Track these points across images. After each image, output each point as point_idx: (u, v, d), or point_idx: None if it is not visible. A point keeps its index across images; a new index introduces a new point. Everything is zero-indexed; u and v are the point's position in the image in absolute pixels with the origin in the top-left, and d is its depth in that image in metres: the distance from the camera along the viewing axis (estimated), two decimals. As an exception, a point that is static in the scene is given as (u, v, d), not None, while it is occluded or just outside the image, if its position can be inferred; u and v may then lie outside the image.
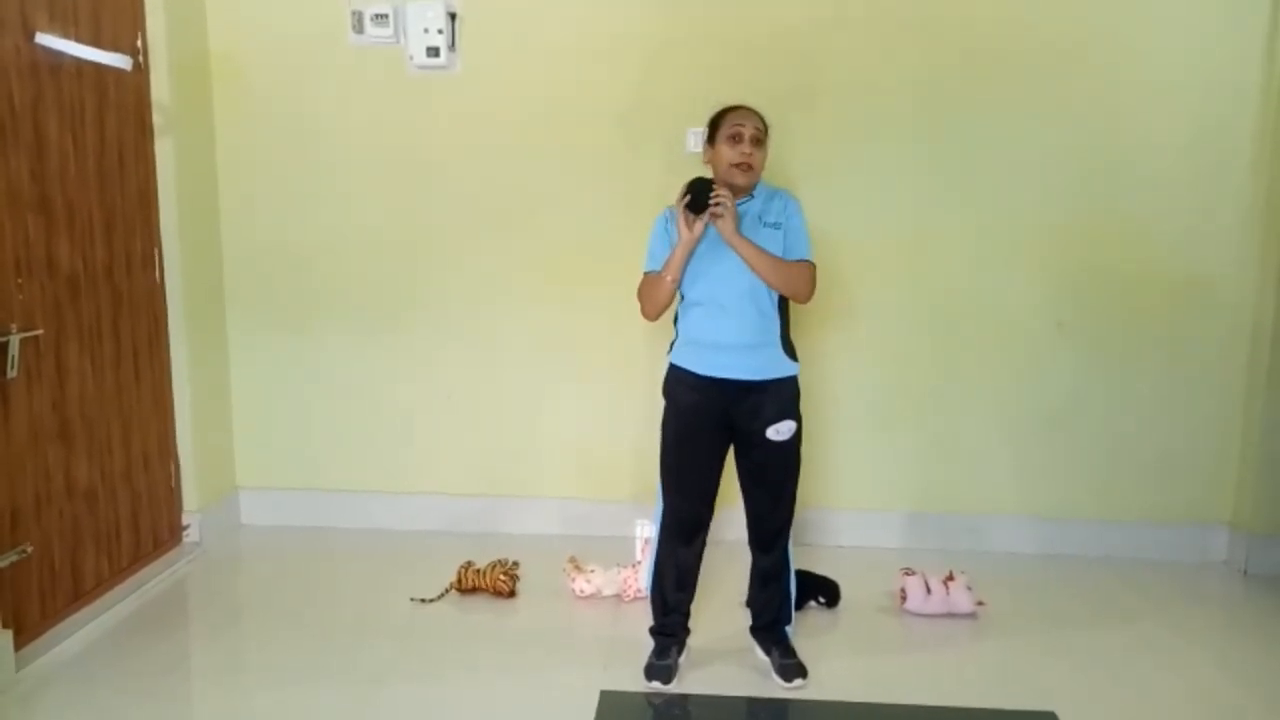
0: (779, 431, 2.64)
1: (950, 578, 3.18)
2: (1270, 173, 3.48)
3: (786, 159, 3.56)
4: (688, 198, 2.54)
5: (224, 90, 3.72)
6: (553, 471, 3.84)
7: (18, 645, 2.73)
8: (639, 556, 3.32)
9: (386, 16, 3.57)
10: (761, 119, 2.67)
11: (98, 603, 3.13)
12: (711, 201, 2.52)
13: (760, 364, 2.63)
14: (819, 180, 3.59)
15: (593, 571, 3.29)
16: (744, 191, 2.65)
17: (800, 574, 3.26)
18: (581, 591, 3.27)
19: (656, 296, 2.66)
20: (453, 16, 3.59)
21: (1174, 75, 3.48)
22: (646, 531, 3.73)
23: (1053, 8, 3.47)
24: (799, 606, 3.17)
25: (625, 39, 3.58)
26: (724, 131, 2.63)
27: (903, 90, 3.54)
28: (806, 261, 2.66)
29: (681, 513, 2.74)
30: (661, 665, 2.73)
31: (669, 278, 2.61)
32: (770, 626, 2.81)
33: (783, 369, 2.66)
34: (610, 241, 3.66)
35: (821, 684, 2.73)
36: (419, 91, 3.66)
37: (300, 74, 3.68)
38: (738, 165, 2.59)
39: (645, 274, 2.72)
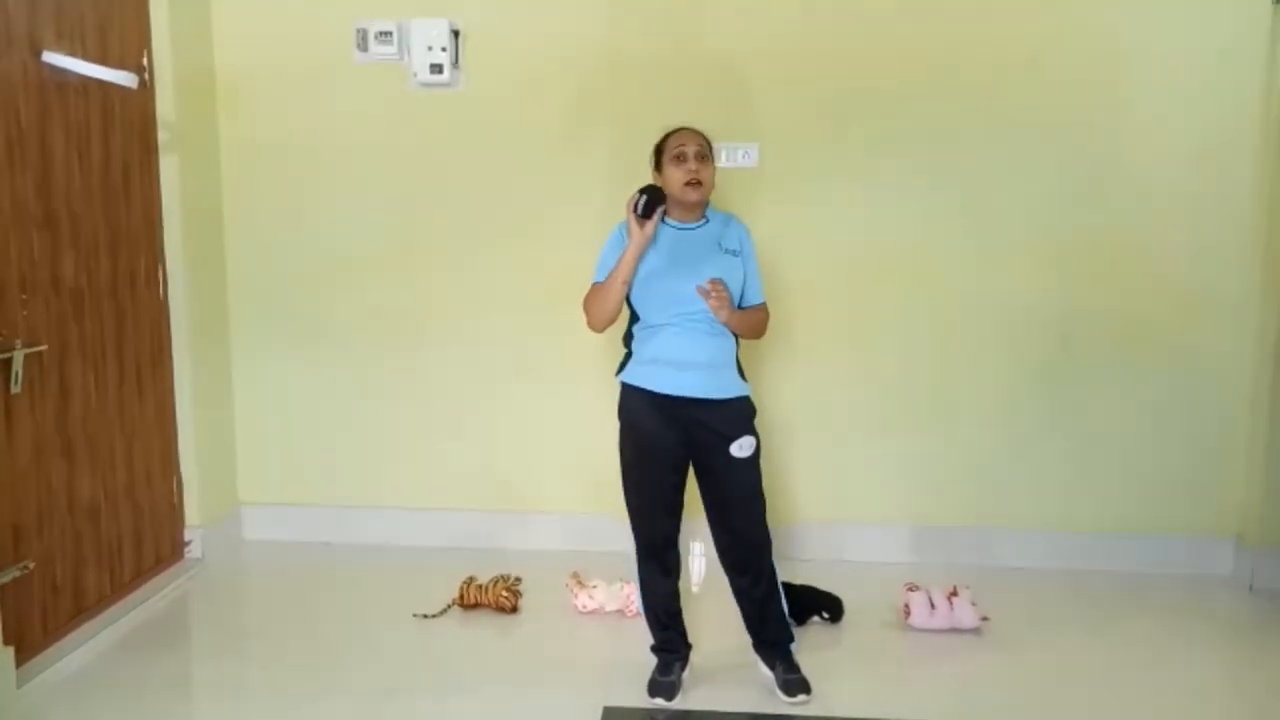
0: (741, 447, 2.64)
1: (954, 592, 3.17)
2: (1273, 185, 3.49)
3: (786, 174, 3.59)
4: (641, 200, 2.57)
5: (229, 108, 3.74)
6: (555, 486, 3.84)
7: (19, 661, 2.72)
8: (642, 572, 3.31)
9: (390, 34, 3.60)
10: (704, 137, 2.71)
11: (99, 619, 3.12)
12: (715, 297, 2.55)
13: (719, 383, 2.65)
14: (819, 195, 3.61)
15: (595, 587, 3.29)
16: (696, 211, 2.69)
17: (803, 589, 3.25)
18: (584, 607, 3.26)
19: (606, 304, 2.67)
20: (456, 34, 3.62)
21: (1176, 89, 3.49)
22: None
23: (1055, 24, 3.48)
24: (802, 622, 3.17)
25: (626, 57, 3.60)
26: (668, 154, 2.67)
27: (904, 106, 3.55)
28: (763, 305, 2.78)
29: (651, 534, 2.73)
30: (665, 681, 2.72)
31: (620, 280, 2.62)
32: (777, 645, 2.80)
33: (738, 388, 2.69)
34: (612, 257, 3.67)
35: (825, 700, 2.71)
36: (423, 108, 3.68)
37: (305, 91, 3.71)
38: (688, 183, 2.63)
39: (593, 285, 2.73)
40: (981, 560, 3.70)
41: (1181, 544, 3.66)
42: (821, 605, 3.23)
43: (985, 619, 3.17)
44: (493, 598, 3.26)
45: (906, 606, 3.18)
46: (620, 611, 3.26)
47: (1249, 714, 2.72)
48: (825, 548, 3.74)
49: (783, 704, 2.69)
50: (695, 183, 2.63)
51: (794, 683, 2.71)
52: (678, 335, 2.62)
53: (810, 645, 2.99)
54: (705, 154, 2.67)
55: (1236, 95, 3.47)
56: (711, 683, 2.81)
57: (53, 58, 2.93)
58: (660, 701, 2.68)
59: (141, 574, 3.39)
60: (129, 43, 3.31)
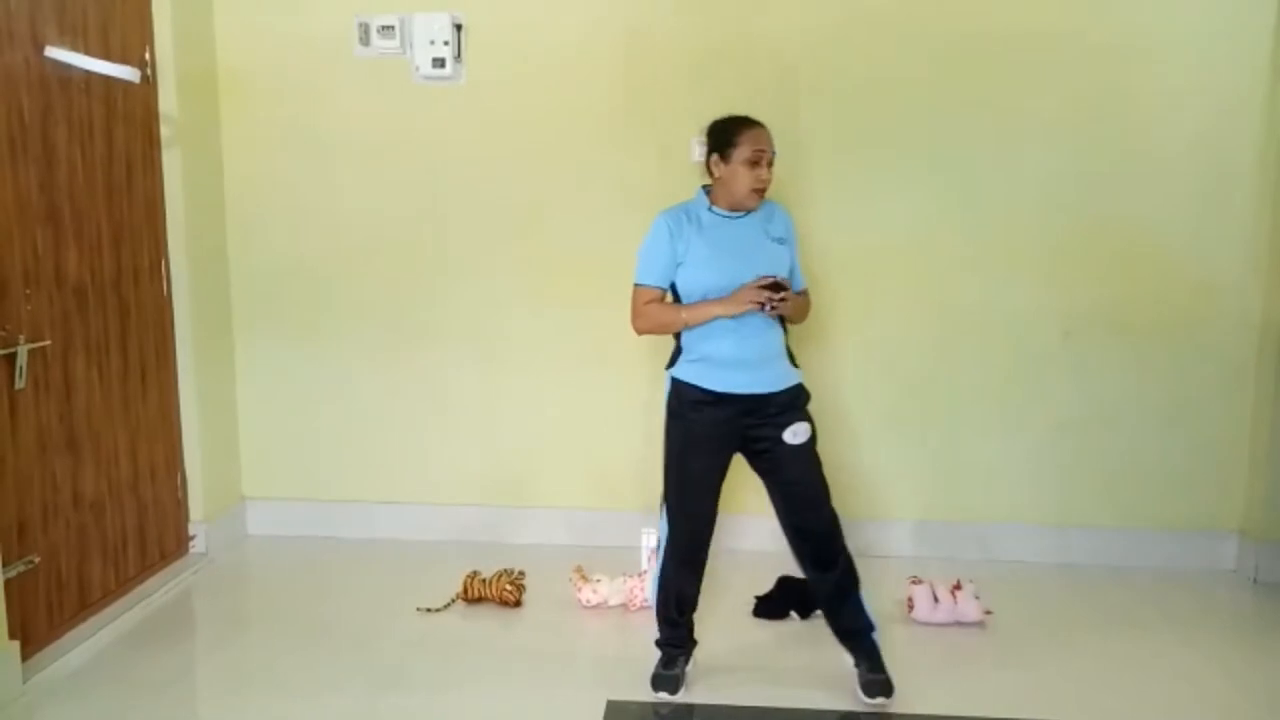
0: (795, 434, 2.61)
1: (958, 586, 3.17)
2: (1276, 178, 3.47)
3: (789, 169, 3.57)
4: (769, 310, 2.54)
5: (231, 102, 3.74)
6: (559, 481, 3.84)
7: (25, 656, 2.72)
8: (645, 566, 3.31)
9: (393, 28, 3.60)
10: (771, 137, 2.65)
11: (104, 613, 3.13)
12: (770, 307, 2.54)
13: (772, 376, 2.63)
14: (821, 189, 3.60)
15: (599, 581, 3.29)
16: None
17: (806, 583, 3.25)
18: (588, 601, 3.26)
19: (662, 327, 2.68)
20: (458, 28, 3.62)
21: (1178, 81, 3.48)
22: (653, 541, 3.73)
23: (1055, 16, 3.47)
24: (805, 616, 3.17)
25: (629, 49, 3.60)
26: (742, 152, 2.57)
27: (907, 100, 3.54)
28: (805, 291, 2.82)
29: (686, 533, 2.70)
30: (668, 675, 2.72)
31: (689, 322, 2.61)
32: (857, 634, 2.71)
33: (790, 378, 2.67)
34: (616, 250, 3.64)
35: (828, 694, 2.72)
36: (425, 102, 3.68)
37: (307, 86, 3.71)
38: (756, 190, 2.59)
39: (639, 287, 2.67)
40: (984, 554, 3.70)
41: (1185, 538, 3.65)
42: (825, 599, 3.23)
43: (988, 613, 3.17)
44: (496, 592, 3.26)
45: (910, 600, 3.18)
46: (624, 606, 3.26)
47: (1253, 707, 2.72)
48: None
49: (791, 698, 2.69)
50: (763, 191, 2.61)
51: (875, 684, 2.64)
52: (726, 333, 2.58)
53: (813, 639, 2.99)
54: (773, 158, 2.62)
55: (1239, 86, 3.45)
56: (715, 676, 2.81)
57: (55, 53, 2.93)
58: (664, 696, 2.69)
59: (146, 569, 3.40)
60: (131, 37, 3.31)
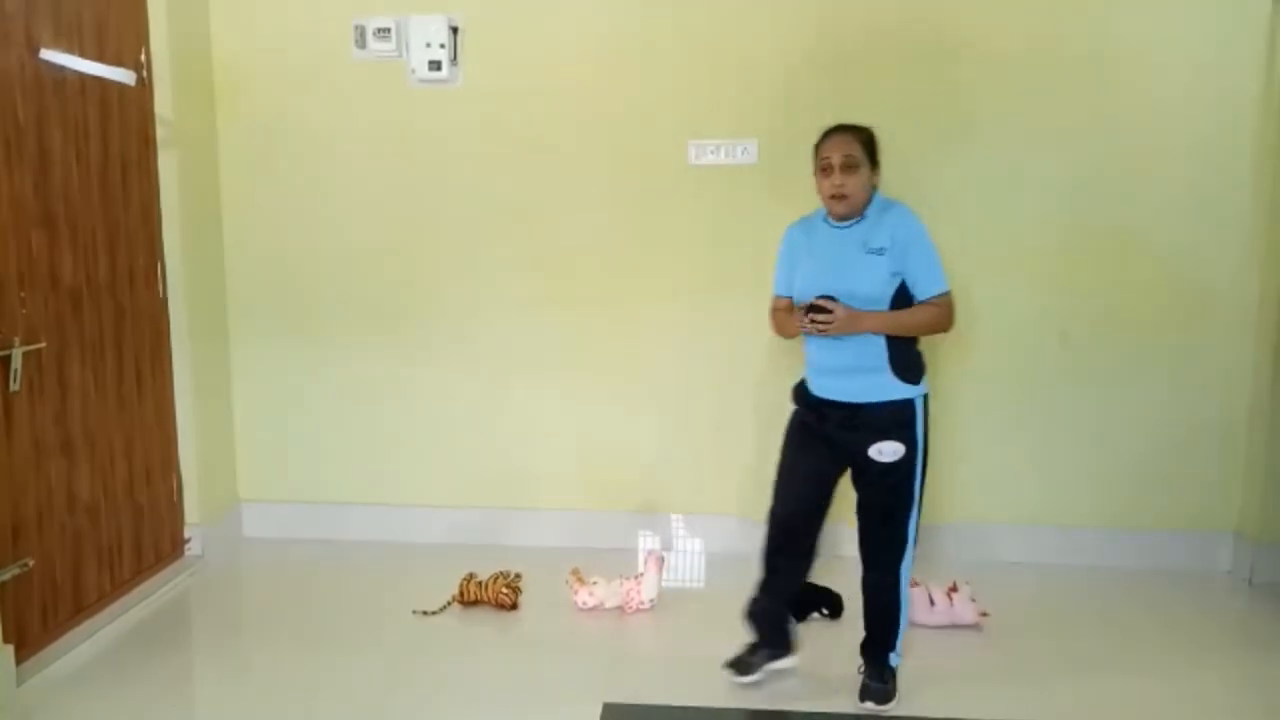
0: (881, 452, 2.57)
1: (953, 588, 3.17)
2: (1272, 181, 3.48)
3: (785, 170, 3.57)
4: (806, 320, 2.57)
5: (227, 105, 3.74)
6: (556, 483, 3.84)
7: (19, 659, 2.72)
8: (641, 568, 3.31)
9: (389, 31, 3.60)
10: (855, 138, 2.62)
11: (99, 616, 3.12)
12: (813, 324, 2.53)
13: (862, 388, 2.58)
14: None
15: (595, 584, 3.29)
16: (850, 216, 2.64)
17: (803, 585, 3.25)
18: (584, 604, 3.26)
19: (780, 333, 2.82)
20: (454, 30, 3.62)
21: (1175, 86, 3.48)
22: (650, 543, 3.75)
23: (1054, 23, 3.48)
24: (802, 619, 3.17)
25: (625, 52, 3.60)
26: (817, 164, 2.63)
27: (903, 104, 3.54)
28: (938, 298, 2.60)
29: (775, 517, 2.74)
30: (743, 659, 2.77)
31: (788, 332, 2.74)
32: (872, 645, 2.75)
33: (887, 393, 2.58)
34: (612, 252, 3.67)
35: (824, 696, 2.72)
36: (421, 105, 3.68)
37: (303, 88, 3.71)
38: (833, 197, 2.60)
39: (774, 297, 2.82)
40: (981, 556, 3.70)
41: (1181, 539, 3.66)
42: (821, 601, 3.23)
43: (985, 615, 3.17)
44: (492, 595, 3.26)
45: (906, 602, 3.18)
46: (620, 608, 3.26)
47: (1250, 708, 2.72)
48: (825, 543, 3.73)
49: (786, 699, 2.70)
50: (840, 197, 2.58)
51: (868, 688, 2.68)
52: (819, 341, 2.61)
53: (808, 641, 2.99)
54: (853, 162, 2.57)
55: (1236, 92, 3.46)
56: (709, 678, 2.80)
57: (51, 55, 2.92)
58: (731, 674, 2.74)
59: (141, 571, 3.39)
60: (127, 39, 3.31)
